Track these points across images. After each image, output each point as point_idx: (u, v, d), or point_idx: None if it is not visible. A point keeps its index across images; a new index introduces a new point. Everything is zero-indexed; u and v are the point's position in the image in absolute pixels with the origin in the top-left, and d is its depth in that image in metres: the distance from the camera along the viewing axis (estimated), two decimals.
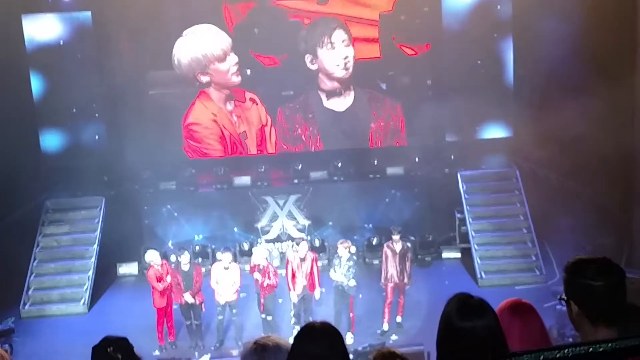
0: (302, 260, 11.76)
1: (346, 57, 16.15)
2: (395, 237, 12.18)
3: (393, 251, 12.17)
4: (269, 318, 11.91)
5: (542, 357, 2.01)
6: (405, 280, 12.22)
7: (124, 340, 4.06)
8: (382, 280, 12.31)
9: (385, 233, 12.91)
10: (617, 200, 14.30)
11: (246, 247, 15.20)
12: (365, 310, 12.70)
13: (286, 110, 16.52)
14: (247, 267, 12.36)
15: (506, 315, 3.64)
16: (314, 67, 16.21)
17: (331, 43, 16.09)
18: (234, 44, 16.08)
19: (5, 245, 13.26)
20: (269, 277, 11.68)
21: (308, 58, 16.18)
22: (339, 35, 16.11)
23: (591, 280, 3.10)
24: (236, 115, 16.41)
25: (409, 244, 12.86)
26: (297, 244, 12.36)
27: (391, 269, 12.17)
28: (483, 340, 2.91)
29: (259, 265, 11.73)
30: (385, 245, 12.45)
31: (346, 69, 16.21)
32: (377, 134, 16.56)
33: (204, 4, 15.96)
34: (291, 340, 3.17)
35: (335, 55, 16.17)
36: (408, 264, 12.24)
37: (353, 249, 12.11)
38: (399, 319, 12.44)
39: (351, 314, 11.96)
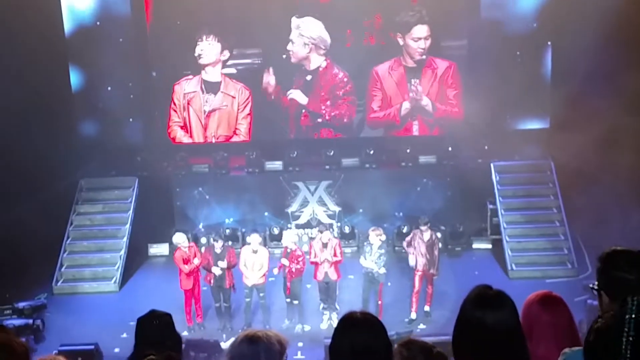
0: (324, 245, 11.76)
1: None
2: (423, 227, 12.12)
3: (421, 240, 12.12)
4: (295, 302, 11.96)
5: None
6: (433, 270, 12.17)
7: (168, 316, 4.11)
8: (411, 264, 12.23)
9: (416, 222, 12.85)
10: None
11: (276, 231, 15.23)
12: (394, 299, 12.68)
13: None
14: (278, 251, 12.34)
15: (535, 307, 3.59)
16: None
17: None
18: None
19: (40, 223, 13.43)
20: (297, 262, 11.71)
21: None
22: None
23: (625, 273, 3.03)
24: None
25: (438, 234, 12.74)
26: (321, 231, 12.23)
27: (419, 257, 12.11)
28: (494, 333, 2.78)
29: (286, 248, 11.76)
30: (413, 233, 12.42)
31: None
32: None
33: None
34: (331, 329, 3.06)
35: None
36: (436, 254, 12.18)
37: (384, 237, 12.06)
38: (427, 308, 12.39)
39: (379, 302, 11.93)
